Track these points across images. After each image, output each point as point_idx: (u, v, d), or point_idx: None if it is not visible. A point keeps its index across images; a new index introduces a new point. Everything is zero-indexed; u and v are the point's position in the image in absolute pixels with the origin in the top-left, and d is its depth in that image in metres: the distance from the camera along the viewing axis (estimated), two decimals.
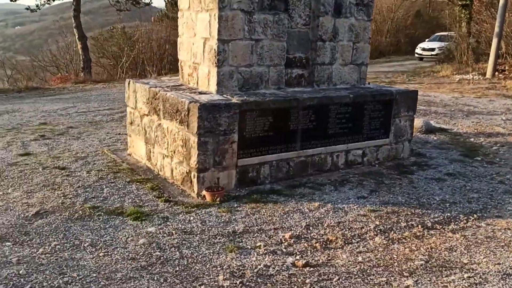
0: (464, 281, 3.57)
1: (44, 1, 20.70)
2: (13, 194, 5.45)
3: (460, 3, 23.90)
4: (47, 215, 4.86)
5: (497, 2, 20.16)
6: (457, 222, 4.81)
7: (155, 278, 3.66)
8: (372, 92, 6.80)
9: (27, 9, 21.64)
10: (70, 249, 4.16)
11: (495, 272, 3.75)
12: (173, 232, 4.51)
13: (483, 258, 4.00)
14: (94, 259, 3.98)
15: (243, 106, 5.52)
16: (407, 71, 21.57)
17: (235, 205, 5.19)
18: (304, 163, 6.24)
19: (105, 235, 4.44)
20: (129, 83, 6.90)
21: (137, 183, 5.84)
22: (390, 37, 36.85)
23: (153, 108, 6.21)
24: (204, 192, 5.38)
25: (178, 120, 5.62)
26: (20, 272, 3.66)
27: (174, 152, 5.81)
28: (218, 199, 5.28)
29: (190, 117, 5.38)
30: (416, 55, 29.95)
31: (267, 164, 5.91)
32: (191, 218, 4.83)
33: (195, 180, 5.43)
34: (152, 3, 22.84)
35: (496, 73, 18.90)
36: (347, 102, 6.45)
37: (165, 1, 25.35)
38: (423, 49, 29.16)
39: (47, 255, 4.03)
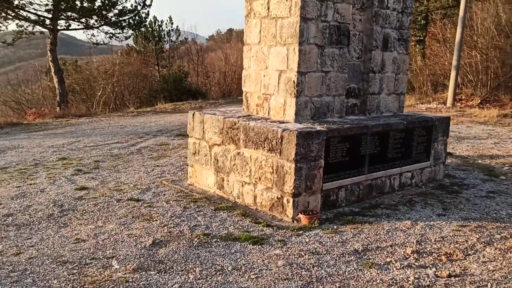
0: None
1: (20, 35, 20.05)
2: (107, 227, 5.42)
3: (414, 39, 25.84)
4: (166, 244, 4.90)
5: (452, 38, 22.09)
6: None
7: None
8: (418, 119, 7.41)
9: (3, 42, 20.82)
10: (218, 274, 4.26)
11: None
12: (302, 253, 4.72)
13: None
14: (251, 281, 4.12)
15: (329, 133, 5.90)
16: None
17: (334, 226, 5.48)
18: (370, 186, 6.67)
19: (239, 259, 4.57)
20: (193, 114, 7.07)
21: (224, 211, 5.98)
22: None
23: (230, 137, 6.42)
24: (300, 216, 5.63)
25: (266, 148, 5.88)
26: None
27: (260, 179, 6.03)
28: (315, 222, 5.55)
29: (284, 144, 5.66)
30: None
31: (343, 187, 6.28)
32: (306, 240, 5.06)
33: (289, 205, 5.68)
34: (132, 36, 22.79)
35: (455, 102, 20.52)
36: (401, 129, 7.00)
37: (135, 34, 25.37)
38: None
39: (201, 280, 4.12)
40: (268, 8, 6.44)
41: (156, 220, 5.62)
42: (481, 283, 4.10)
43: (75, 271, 4.26)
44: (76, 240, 5.07)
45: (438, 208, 6.25)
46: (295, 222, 5.64)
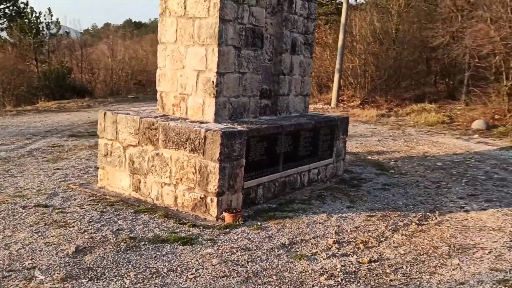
0: (488, 255, 4.81)
1: None
2: (18, 236, 5.00)
3: None
4: (90, 251, 4.68)
5: (334, 43, 23.73)
6: (431, 218, 6.13)
7: (266, 287, 4.04)
8: (324, 119, 7.93)
9: None
10: (154, 276, 4.20)
11: (500, 244, 5.08)
12: (233, 250, 4.83)
13: (479, 238, 5.35)
14: (190, 281, 4.13)
15: (249, 133, 6.08)
16: None
17: (258, 223, 5.67)
18: (284, 183, 6.99)
19: (173, 260, 4.54)
20: (105, 114, 6.76)
21: (144, 213, 5.84)
22: None
23: (147, 138, 6.27)
24: (224, 214, 5.73)
25: (188, 149, 5.87)
26: None
27: (181, 180, 6.00)
28: (239, 219, 5.69)
29: (207, 144, 5.71)
30: None
31: (261, 185, 6.51)
32: (235, 237, 5.18)
33: (213, 204, 5.74)
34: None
35: (338, 102, 22.11)
36: (310, 128, 7.44)
37: (9, 26, 23.00)
38: None
39: (139, 284, 4.03)
40: (185, 8, 6.41)
41: (73, 226, 5.30)
42: (397, 265, 4.57)
43: None
44: None
45: (346, 201, 6.77)
46: (219, 220, 5.71)
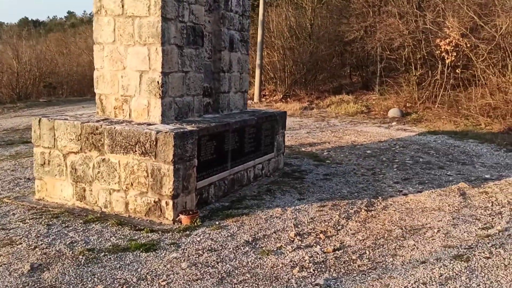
0: (438, 233, 5.19)
1: None
2: None
3: None
4: (48, 267, 4.38)
5: (253, 39, 24.02)
6: (377, 203, 6.48)
7: (242, 285, 4.04)
8: (265, 114, 8.04)
9: None
10: (125, 287, 4.04)
11: (444, 223, 5.50)
12: (200, 252, 4.78)
13: (425, 219, 5.75)
14: (164, 287, 4.03)
15: (200, 132, 6.02)
16: None
17: (216, 222, 5.64)
18: (232, 180, 7.01)
19: (140, 269, 4.40)
20: (40, 121, 6.31)
21: (95, 223, 5.57)
22: None
23: (91, 144, 5.97)
24: (181, 216, 5.63)
25: (139, 152, 5.68)
26: None
27: (132, 185, 5.79)
28: (196, 220, 5.63)
29: (159, 146, 5.57)
30: None
31: (213, 184, 6.48)
32: (198, 239, 5.12)
33: (169, 207, 5.62)
34: None
35: (261, 97, 22.47)
36: (253, 124, 7.51)
37: None
38: None
39: None
40: (123, 6, 6.17)
41: (21, 243, 4.92)
42: (360, 252, 4.79)
43: None
44: None
45: (295, 193, 6.94)
46: (176, 223, 5.60)
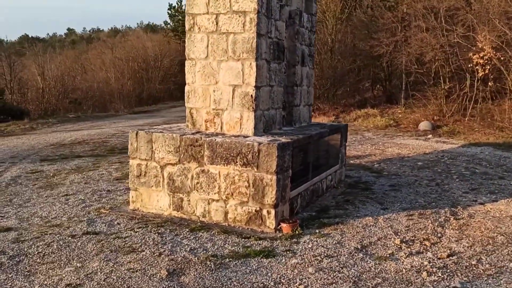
0: None
1: None
2: (91, 265, 4.75)
3: None
4: (183, 272, 4.58)
5: None
6: (460, 212, 6.66)
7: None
8: (332, 127, 8.29)
9: None
10: None
11: None
12: (318, 258, 4.97)
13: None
14: None
15: (293, 144, 6.24)
16: None
17: (316, 231, 5.84)
18: (312, 191, 7.22)
19: (270, 274, 4.59)
20: (137, 134, 6.55)
21: (201, 231, 5.77)
22: (161, 84, 38.80)
23: (190, 155, 6.20)
24: (282, 225, 5.83)
25: (240, 163, 5.90)
26: None
27: (232, 195, 6.00)
28: (297, 229, 5.82)
29: (261, 157, 5.79)
30: None
31: (299, 194, 6.68)
32: (309, 246, 5.31)
33: (271, 216, 5.82)
34: None
35: None
36: (326, 136, 7.75)
37: None
38: None
39: None
40: (217, 23, 6.45)
41: (143, 250, 5.12)
42: (476, 257, 4.98)
43: None
44: (68, 285, 4.32)
45: (374, 203, 7.13)
46: (277, 232, 5.80)
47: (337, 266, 4.76)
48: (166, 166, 6.38)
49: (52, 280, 4.45)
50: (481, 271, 4.61)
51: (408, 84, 20.18)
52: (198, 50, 6.62)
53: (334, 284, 4.35)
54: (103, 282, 4.38)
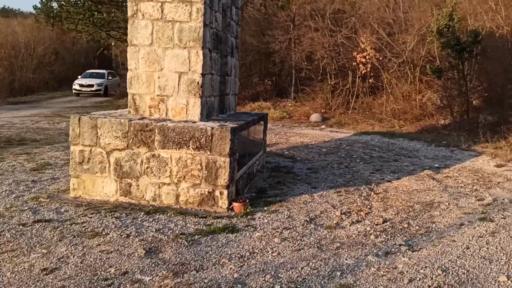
0: (450, 206, 6.52)
1: None
2: (60, 251, 4.69)
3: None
4: (160, 250, 4.76)
5: None
6: (376, 189, 7.66)
7: (341, 250, 4.89)
8: (259, 115, 8.85)
9: None
10: (248, 258, 4.63)
11: (446, 199, 6.83)
12: (279, 230, 5.47)
13: (428, 197, 7.06)
14: (279, 256, 4.70)
15: (239, 129, 6.66)
16: (96, 105, 22.82)
17: (265, 208, 6.33)
18: (248, 174, 7.71)
19: (241, 246, 4.97)
20: (80, 119, 6.38)
21: (157, 214, 5.89)
22: (35, 73, 35.91)
23: (140, 140, 6.26)
24: (234, 204, 6.23)
25: (193, 147, 6.16)
26: None
27: (184, 178, 6.23)
28: (247, 208, 6.27)
29: (214, 141, 6.12)
30: (74, 91, 30.63)
31: (241, 176, 7.13)
32: (265, 221, 5.78)
33: (224, 196, 6.18)
34: None
35: None
36: (255, 123, 8.29)
37: None
38: (82, 86, 30.21)
39: (243, 265, 4.45)
40: (162, 11, 6.57)
41: (108, 233, 5.14)
42: (404, 222, 5.89)
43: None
44: (43, 270, 4.25)
45: (303, 184, 7.84)
46: (229, 211, 6.17)
47: (297, 235, 5.30)
48: (113, 151, 6.35)
49: (23, 267, 4.31)
50: (414, 231, 5.52)
51: (298, 79, 21.62)
52: (142, 37, 6.66)
53: (302, 250, 4.89)
54: (81, 264, 4.38)
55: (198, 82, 6.58)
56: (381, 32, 17.53)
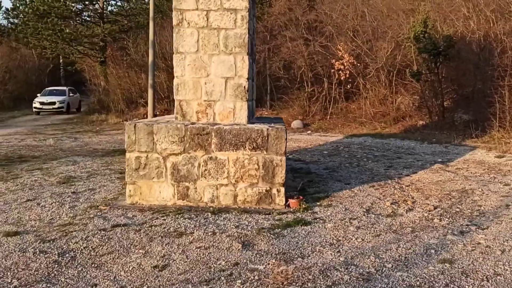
0: (485, 191, 7.11)
1: None
2: (156, 249, 4.83)
3: (96, 60, 26.54)
4: (251, 243, 4.99)
5: (142, 60, 24.25)
6: (402, 182, 8.18)
7: (412, 234, 5.30)
8: (279, 120, 9.19)
9: None
10: (333, 245, 4.96)
11: (475, 186, 7.40)
12: (345, 221, 5.81)
13: (457, 186, 7.64)
14: (363, 240, 5.06)
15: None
16: (66, 122, 22.37)
17: (317, 203, 6.65)
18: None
19: (323, 235, 5.28)
20: (135, 126, 6.48)
21: (221, 213, 6.08)
22: None
23: (197, 144, 6.45)
24: (290, 201, 6.52)
25: (249, 148, 6.41)
26: None
27: (241, 178, 6.46)
28: (302, 203, 6.58)
29: (270, 141, 6.41)
30: (35, 109, 29.52)
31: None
32: (327, 214, 6.11)
33: (281, 194, 6.47)
34: None
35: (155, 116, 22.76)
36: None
37: None
38: (43, 103, 29.16)
39: (334, 251, 4.77)
40: (207, 19, 6.82)
41: (193, 232, 5.32)
42: (453, 208, 6.40)
43: None
44: (155, 267, 4.39)
45: (334, 181, 8.22)
46: (285, 207, 6.45)
47: (367, 224, 5.67)
48: (169, 156, 6.49)
49: (132, 266, 4.43)
50: (469, 214, 6.04)
51: (274, 88, 22.14)
52: (188, 44, 6.87)
53: (381, 235, 5.26)
54: (188, 260, 4.54)
55: (244, 87, 6.85)
56: (357, 40, 18.39)
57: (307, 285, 3.97)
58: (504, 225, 5.47)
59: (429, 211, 6.25)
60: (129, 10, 28.08)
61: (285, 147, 6.42)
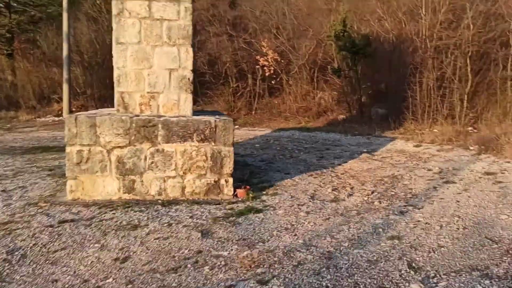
0: (413, 176, 7.70)
1: None
2: (112, 243, 4.74)
3: (5, 52, 24.63)
4: (210, 231, 5.05)
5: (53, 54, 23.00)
6: (337, 171, 8.63)
7: (360, 216, 5.68)
8: (220, 112, 9.26)
9: None
10: (288, 229, 5.18)
11: (404, 172, 8.00)
12: (294, 207, 6.05)
13: (386, 172, 8.20)
14: (315, 224, 5.33)
15: None
16: None
17: (263, 192, 6.84)
18: None
19: (277, 220, 5.47)
20: (76, 119, 6.20)
21: (171, 205, 6.05)
22: None
23: (143, 136, 6.33)
24: (238, 191, 6.64)
25: (197, 139, 6.44)
26: None
27: (189, 170, 6.47)
28: (249, 193, 6.73)
29: (218, 132, 6.48)
30: None
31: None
32: (276, 201, 6.31)
33: (229, 184, 6.57)
34: None
35: (71, 112, 21.71)
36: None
37: None
38: None
39: (296, 233, 4.99)
40: (150, 10, 6.71)
41: (148, 225, 5.24)
42: (389, 192, 6.89)
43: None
44: (116, 260, 4.33)
45: (274, 172, 8.46)
46: (233, 197, 6.57)
47: (315, 209, 5.95)
48: (114, 149, 6.30)
49: (90, 260, 4.30)
50: (403, 196, 6.54)
51: (198, 84, 22.03)
52: (130, 35, 6.70)
53: (330, 219, 5.55)
54: (149, 251, 4.50)
55: (189, 78, 6.83)
56: (280, 37, 18.88)
57: (275, 266, 4.12)
58: (436, 205, 6.01)
59: (368, 195, 6.68)
60: (38, 0, 26.39)
61: (233, 138, 6.51)
